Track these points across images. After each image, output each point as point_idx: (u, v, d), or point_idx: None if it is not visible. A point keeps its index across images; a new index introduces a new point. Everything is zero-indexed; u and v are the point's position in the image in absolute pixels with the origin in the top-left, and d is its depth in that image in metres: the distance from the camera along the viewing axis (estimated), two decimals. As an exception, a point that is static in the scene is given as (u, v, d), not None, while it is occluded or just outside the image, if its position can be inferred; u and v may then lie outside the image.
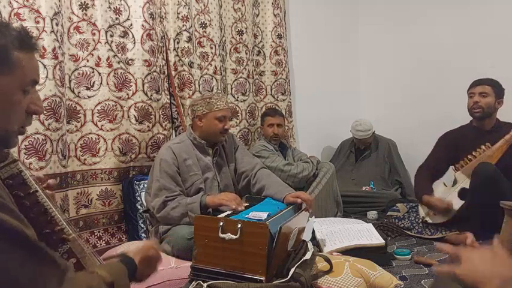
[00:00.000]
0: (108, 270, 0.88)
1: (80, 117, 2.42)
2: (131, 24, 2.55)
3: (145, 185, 2.38)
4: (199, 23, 2.95)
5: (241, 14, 3.24)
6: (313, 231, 2.32)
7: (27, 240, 0.72)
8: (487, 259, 0.77)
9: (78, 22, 2.40)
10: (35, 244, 0.74)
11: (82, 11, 2.40)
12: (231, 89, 3.21)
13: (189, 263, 1.62)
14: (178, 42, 2.81)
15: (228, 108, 2.28)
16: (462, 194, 2.52)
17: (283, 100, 3.50)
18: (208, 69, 2.98)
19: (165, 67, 2.77)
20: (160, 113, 2.67)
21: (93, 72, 2.44)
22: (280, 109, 3.41)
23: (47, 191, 0.99)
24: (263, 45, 3.43)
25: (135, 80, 2.55)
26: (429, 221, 2.61)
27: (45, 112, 2.15)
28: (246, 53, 3.27)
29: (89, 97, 2.44)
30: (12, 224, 0.70)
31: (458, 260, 0.79)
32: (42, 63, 2.15)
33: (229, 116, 2.28)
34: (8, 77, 0.81)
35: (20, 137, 2.07)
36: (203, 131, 2.23)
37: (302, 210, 1.88)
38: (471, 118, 2.71)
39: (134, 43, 2.55)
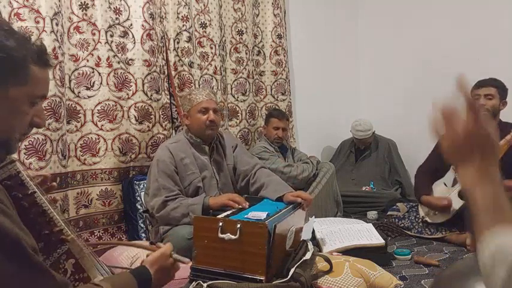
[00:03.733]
0: (113, 282, 0.87)
1: (80, 117, 2.42)
2: (131, 24, 2.55)
3: (145, 185, 2.37)
4: (199, 23, 2.94)
5: (241, 14, 3.24)
6: (313, 231, 2.32)
7: (23, 250, 0.72)
8: (473, 137, 0.67)
9: (78, 22, 2.40)
10: (31, 256, 0.73)
11: (82, 11, 2.40)
12: (231, 89, 3.21)
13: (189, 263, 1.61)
14: (178, 42, 2.81)
15: (209, 99, 2.19)
16: (462, 194, 2.51)
17: (283, 100, 3.50)
18: (208, 69, 2.98)
19: (165, 67, 2.77)
20: (160, 113, 2.67)
21: (93, 72, 2.44)
22: (280, 108, 3.41)
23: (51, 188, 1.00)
24: (263, 45, 3.43)
25: (135, 80, 2.55)
26: (429, 220, 2.61)
27: (45, 112, 2.15)
28: (246, 53, 3.27)
29: (89, 97, 2.43)
30: (11, 230, 0.70)
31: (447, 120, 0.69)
32: (42, 63, 2.15)
33: (212, 108, 2.17)
34: (21, 88, 0.83)
35: (20, 137, 2.08)
36: (192, 128, 2.21)
37: (297, 208, 1.87)
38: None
39: (134, 43, 2.55)
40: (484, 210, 0.64)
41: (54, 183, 1.05)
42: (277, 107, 3.41)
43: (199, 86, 2.89)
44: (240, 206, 1.87)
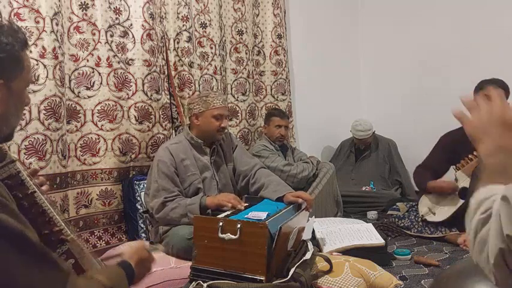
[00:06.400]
0: (107, 275, 0.88)
1: (80, 117, 2.42)
2: (131, 24, 2.55)
3: (146, 185, 2.37)
4: (199, 23, 2.94)
5: (241, 14, 3.24)
6: (313, 231, 2.32)
7: (28, 243, 0.72)
8: (495, 118, 0.74)
9: (78, 22, 2.40)
10: (37, 247, 0.74)
11: (82, 11, 2.40)
12: (231, 89, 3.21)
13: (189, 263, 1.62)
14: (178, 42, 2.81)
15: (225, 106, 2.26)
16: (462, 193, 2.52)
17: (283, 100, 3.50)
18: (208, 69, 2.98)
19: (165, 67, 2.77)
20: (160, 113, 2.67)
21: (93, 72, 2.44)
22: (280, 108, 3.41)
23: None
24: (263, 45, 3.43)
25: (135, 80, 2.55)
26: (429, 219, 2.61)
27: (45, 112, 2.16)
28: (246, 53, 3.27)
29: (89, 97, 2.43)
30: (14, 225, 0.70)
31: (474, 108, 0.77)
32: (42, 63, 2.15)
33: (226, 115, 2.25)
34: (20, 79, 0.85)
35: (20, 137, 2.09)
36: (200, 130, 2.22)
37: (302, 210, 1.88)
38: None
39: (134, 43, 2.55)
40: (489, 171, 0.72)
41: (47, 186, 1.06)
42: (277, 107, 3.41)
43: (199, 86, 2.90)
44: (234, 207, 1.87)
